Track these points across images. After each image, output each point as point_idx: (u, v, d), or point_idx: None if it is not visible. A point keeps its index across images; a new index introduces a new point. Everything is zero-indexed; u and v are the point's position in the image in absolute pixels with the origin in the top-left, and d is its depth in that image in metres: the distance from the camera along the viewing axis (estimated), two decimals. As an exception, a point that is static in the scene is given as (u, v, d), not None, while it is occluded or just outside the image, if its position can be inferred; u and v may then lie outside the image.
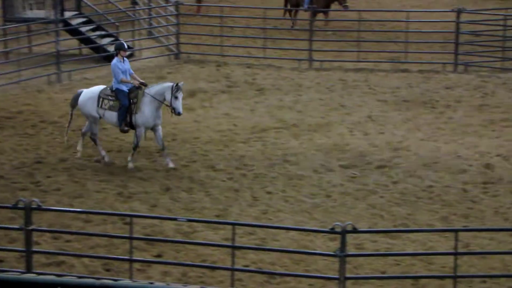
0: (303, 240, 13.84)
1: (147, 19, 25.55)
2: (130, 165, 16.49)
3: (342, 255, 11.56)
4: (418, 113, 19.62)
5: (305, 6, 25.41)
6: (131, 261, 12.18)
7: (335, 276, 11.89)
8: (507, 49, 22.99)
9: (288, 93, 21.14)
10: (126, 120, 16.54)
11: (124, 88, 16.53)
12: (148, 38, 25.06)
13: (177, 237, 13.69)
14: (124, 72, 16.48)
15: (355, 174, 16.43)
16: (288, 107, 20.22)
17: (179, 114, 16.36)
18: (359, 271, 12.80)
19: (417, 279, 12.49)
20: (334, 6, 25.70)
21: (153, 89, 16.42)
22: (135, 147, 16.60)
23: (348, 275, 11.85)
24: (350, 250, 12.88)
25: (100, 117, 16.77)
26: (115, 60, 16.53)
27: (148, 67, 23.10)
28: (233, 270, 12.08)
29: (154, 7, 25.76)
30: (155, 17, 25.57)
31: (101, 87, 16.97)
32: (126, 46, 16.70)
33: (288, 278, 12.54)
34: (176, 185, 15.81)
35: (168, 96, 16.29)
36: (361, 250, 13.46)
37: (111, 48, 23.70)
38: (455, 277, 11.92)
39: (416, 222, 14.52)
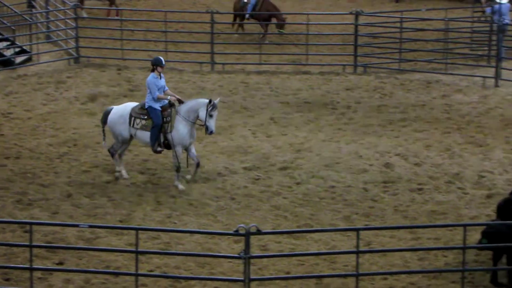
0: (207, 243, 13.83)
1: (44, 23, 25.09)
2: (180, 187, 15.68)
3: (246, 257, 11.61)
4: (319, 114, 19.86)
5: (247, 14, 25.23)
6: (31, 269, 11.94)
7: (240, 278, 11.94)
8: (404, 51, 23.51)
9: (191, 96, 21.01)
10: (160, 140, 15.71)
11: (157, 106, 15.74)
12: (46, 42, 24.62)
13: (79, 243, 13.50)
14: (160, 89, 15.72)
15: (258, 176, 16.51)
16: (190, 110, 20.15)
17: (211, 133, 15.75)
18: (264, 272, 12.88)
19: (321, 278, 12.65)
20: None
21: (185, 106, 15.66)
22: (178, 168, 15.73)
23: (252, 276, 11.91)
24: (255, 251, 12.96)
25: (131, 137, 15.93)
26: (151, 76, 15.74)
27: (46, 72, 22.69)
28: (137, 275, 11.99)
29: (52, 10, 25.33)
30: (53, 20, 25.14)
31: (132, 104, 16.10)
32: (163, 62, 15.85)
33: (193, 282, 12.53)
34: (78, 191, 15.58)
35: (202, 113, 15.59)
36: (265, 251, 13.55)
37: (8, 53, 23.26)
38: (357, 275, 12.11)
39: (319, 222, 14.70)
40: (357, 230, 12.46)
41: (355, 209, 15.21)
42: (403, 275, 12.75)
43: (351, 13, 23.50)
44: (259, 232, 11.84)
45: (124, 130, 15.90)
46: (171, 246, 13.61)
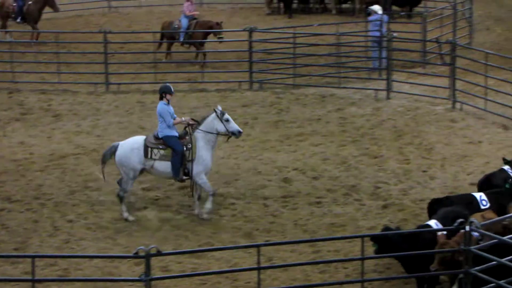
0: (107, 267, 13.62)
1: None
2: (206, 216, 15.37)
3: (147, 279, 11.48)
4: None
5: (181, 39, 24.83)
6: None
7: (137, 278, 11.74)
8: (298, 66, 23.76)
9: (86, 118, 20.80)
10: (184, 168, 15.18)
11: (174, 133, 15.32)
12: None
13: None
14: (171, 115, 15.34)
15: (158, 196, 16.38)
16: (86, 132, 19.88)
17: (240, 133, 15.40)
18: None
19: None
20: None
21: (201, 132, 15.31)
22: (213, 193, 15.41)
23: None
24: (156, 273, 12.84)
25: (143, 171, 15.34)
26: (162, 104, 15.34)
27: None
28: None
29: None
30: None
31: (140, 137, 15.57)
32: (173, 90, 15.60)
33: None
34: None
35: (219, 126, 15.33)
36: (167, 272, 13.44)
37: None
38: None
39: (220, 240, 14.68)
40: (257, 246, 12.49)
41: (256, 225, 15.25)
42: (303, 289, 12.84)
43: (245, 30, 23.64)
44: (159, 253, 11.74)
45: (138, 164, 15.22)
46: (70, 272, 13.35)
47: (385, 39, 22.68)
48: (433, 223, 12.56)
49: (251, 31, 23.49)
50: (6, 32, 25.91)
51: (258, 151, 18.61)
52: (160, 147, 15.28)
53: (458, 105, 20.84)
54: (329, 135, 19.31)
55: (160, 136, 15.35)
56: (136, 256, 11.57)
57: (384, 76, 22.20)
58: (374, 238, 12.29)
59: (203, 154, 15.29)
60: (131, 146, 15.36)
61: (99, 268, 13.57)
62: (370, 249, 12.52)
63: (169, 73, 23.66)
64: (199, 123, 15.52)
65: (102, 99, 22.26)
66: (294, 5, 31.47)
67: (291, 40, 23.71)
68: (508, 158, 15.17)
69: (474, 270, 11.57)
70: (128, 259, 13.61)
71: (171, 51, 24.76)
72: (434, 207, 13.47)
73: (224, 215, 15.61)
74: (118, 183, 15.59)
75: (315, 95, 22.24)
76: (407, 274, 12.52)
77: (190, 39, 24.65)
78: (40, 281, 12.28)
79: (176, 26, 24.79)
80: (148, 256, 11.48)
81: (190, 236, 14.86)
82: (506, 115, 19.65)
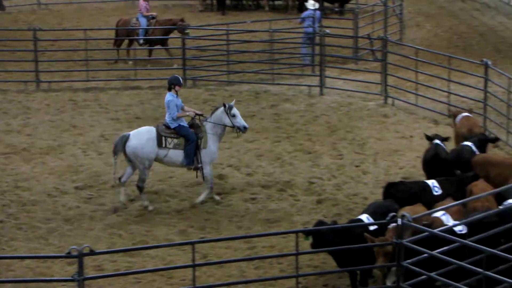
0: (39, 267, 13.41)
1: None
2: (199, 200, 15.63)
3: (80, 279, 11.33)
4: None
5: (141, 41, 24.27)
6: None
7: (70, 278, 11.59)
8: (232, 63, 23.75)
9: (16, 117, 20.46)
10: (197, 157, 15.45)
11: (184, 123, 15.50)
12: None
13: None
14: (179, 105, 15.53)
15: (91, 195, 16.19)
16: (16, 131, 19.55)
17: (245, 128, 15.66)
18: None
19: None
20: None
21: (209, 123, 15.57)
22: (211, 187, 15.68)
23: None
24: (90, 272, 12.69)
25: (156, 159, 15.44)
26: (170, 95, 15.43)
27: None
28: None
29: None
30: None
31: (151, 127, 15.58)
32: (181, 81, 15.85)
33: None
34: None
35: (226, 120, 15.57)
36: (101, 271, 13.29)
37: None
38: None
39: (155, 238, 14.57)
40: (192, 243, 12.41)
41: (191, 222, 15.18)
42: (239, 285, 12.81)
43: (177, 27, 23.51)
44: (92, 253, 11.58)
45: (152, 153, 15.37)
46: (0, 274, 13.09)
47: (317, 35, 22.82)
48: (365, 217, 12.67)
49: (184, 28, 23.38)
50: None
51: (192, 148, 18.51)
52: (173, 136, 15.48)
53: (390, 101, 21.07)
54: (263, 131, 19.33)
55: (172, 127, 15.48)
56: (68, 256, 11.40)
57: (317, 73, 22.32)
58: (306, 232, 12.34)
59: (210, 145, 15.59)
60: (145, 136, 15.45)
61: (31, 268, 13.36)
62: (304, 244, 12.56)
63: (101, 70, 23.42)
64: (203, 116, 15.76)
65: (33, 97, 21.93)
66: (227, 2, 31.45)
67: (224, 37, 23.68)
68: (428, 133, 15.75)
69: (406, 263, 11.69)
70: (61, 259, 13.42)
71: (131, 48, 24.19)
72: (390, 192, 13.64)
73: (158, 213, 15.50)
74: (119, 179, 15.59)
75: (249, 92, 22.25)
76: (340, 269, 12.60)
77: (150, 38, 24.11)
78: (-30, 283, 12.04)
79: (135, 22, 24.38)
80: (81, 256, 11.32)
81: (123, 235, 14.71)
82: (437, 110, 19.94)
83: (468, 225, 12.03)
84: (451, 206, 12.59)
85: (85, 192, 16.29)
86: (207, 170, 15.62)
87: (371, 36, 24.23)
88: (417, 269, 11.64)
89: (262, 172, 17.16)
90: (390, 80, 21.36)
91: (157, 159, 15.61)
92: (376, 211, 12.75)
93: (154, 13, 25.08)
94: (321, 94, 21.84)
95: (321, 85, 21.97)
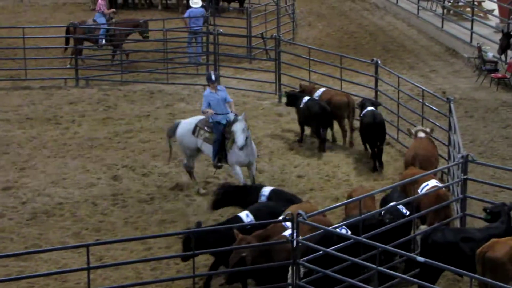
0: None
1: None
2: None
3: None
4: (43, 130, 19.34)
5: (102, 41, 23.33)
6: None
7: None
8: (126, 62, 23.53)
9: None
10: (221, 155, 15.56)
11: (222, 120, 15.65)
12: None
13: None
14: (217, 101, 15.59)
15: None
16: None
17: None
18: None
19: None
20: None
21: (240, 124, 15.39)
22: None
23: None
24: (-20, 279, 12.33)
25: (198, 150, 15.85)
26: (206, 91, 15.92)
27: None
28: None
29: None
30: None
31: (200, 117, 15.96)
32: (213, 78, 15.80)
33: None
34: None
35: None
36: (-8, 276, 12.95)
37: None
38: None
39: (48, 241, 14.31)
40: (87, 246, 12.20)
41: (85, 224, 14.97)
42: (136, 287, 12.71)
43: (68, 26, 23.15)
44: (-17, 258, 11.28)
45: (191, 143, 15.88)
46: None
47: (203, 34, 22.87)
48: (244, 214, 12.71)
49: (74, 27, 23.04)
50: None
51: (86, 149, 18.27)
52: (206, 129, 15.80)
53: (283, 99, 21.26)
54: (159, 131, 19.21)
55: (210, 120, 15.74)
56: (-42, 261, 11.08)
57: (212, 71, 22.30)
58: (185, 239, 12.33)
59: (235, 148, 15.55)
60: (187, 126, 16.01)
61: None
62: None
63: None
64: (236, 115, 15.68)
65: None
66: (119, 0, 31.11)
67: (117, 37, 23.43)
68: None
69: (302, 260, 11.83)
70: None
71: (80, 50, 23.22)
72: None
73: (52, 215, 15.23)
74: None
75: (143, 91, 22.09)
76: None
77: (111, 39, 23.43)
78: None
79: (92, 21, 23.59)
80: (-29, 261, 11.02)
81: (15, 239, 14.40)
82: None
83: (349, 226, 12.27)
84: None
85: (-25, 195, 15.87)
86: (235, 170, 15.72)
87: (264, 35, 24.42)
88: (312, 266, 11.79)
89: (158, 172, 17.07)
90: (284, 79, 21.58)
91: (199, 150, 15.97)
92: (260, 209, 12.84)
93: (113, 10, 24.56)
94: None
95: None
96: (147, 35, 23.73)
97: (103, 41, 23.56)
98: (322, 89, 18.93)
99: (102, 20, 23.91)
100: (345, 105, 18.20)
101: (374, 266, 11.26)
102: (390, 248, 11.49)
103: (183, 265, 13.33)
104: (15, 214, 15.23)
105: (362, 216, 12.30)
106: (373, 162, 17.07)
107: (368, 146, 17.46)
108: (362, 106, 17.61)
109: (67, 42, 23.55)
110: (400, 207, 12.88)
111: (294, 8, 28.28)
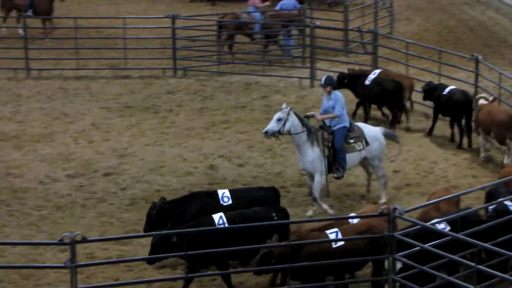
0: (31, 254, 13.42)
1: None
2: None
3: (72, 266, 11.34)
4: (141, 118, 19.72)
5: (256, 31, 24.03)
6: None
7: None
8: (222, 53, 23.77)
9: (6, 104, 20.42)
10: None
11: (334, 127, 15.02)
12: None
13: None
14: (324, 108, 15.15)
15: (82, 183, 16.20)
16: (7, 118, 19.52)
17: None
18: (92, 281, 12.65)
19: (150, 283, 12.56)
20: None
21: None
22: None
23: (80, 285, 11.63)
24: (82, 260, 12.71)
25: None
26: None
27: None
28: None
29: None
30: None
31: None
32: (322, 81, 15.21)
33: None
34: None
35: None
36: (92, 259, 13.33)
37: None
38: (187, 278, 12.15)
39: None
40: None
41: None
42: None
43: (167, 17, 23.52)
44: (84, 240, 11.58)
45: None
46: (-7, 260, 13.10)
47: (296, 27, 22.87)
48: (217, 216, 12.58)
49: (174, 18, 23.38)
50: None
51: (183, 138, 18.55)
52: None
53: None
54: (254, 122, 19.36)
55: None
56: (61, 243, 11.40)
57: (308, 65, 22.36)
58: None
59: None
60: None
61: (23, 255, 13.36)
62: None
63: (91, 59, 23.34)
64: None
65: (23, 85, 21.89)
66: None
67: (215, 28, 23.67)
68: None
69: (398, 255, 11.78)
70: (53, 246, 13.43)
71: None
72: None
73: (150, 202, 15.48)
74: None
75: (239, 83, 22.28)
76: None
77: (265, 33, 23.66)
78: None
79: (246, 19, 23.91)
80: (73, 243, 11.33)
81: (115, 223, 14.74)
82: (428, 104, 20.01)
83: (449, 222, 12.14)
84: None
85: (76, 180, 16.29)
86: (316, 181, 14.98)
87: (361, 29, 24.30)
88: (409, 261, 11.72)
89: (253, 163, 17.20)
90: (381, 73, 21.41)
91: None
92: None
93: (267, 3, 24.86)
94: (312, 86, 21.87)
95: (312, 77, 22.01)
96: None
97: (259, 35, 23.62)
98: (378, 70, 19.41)
99: (257, 14, 23.97)
100: (409, 86, 18.85)
101: (473, 264, 11.11)
102: (490, 247, 11.32)
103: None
104: (115, 199, 15.59)
105: (461, 212, 12.15)
106: (459, 139, 17.61)
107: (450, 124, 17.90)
108: (438, 86, 18.18)
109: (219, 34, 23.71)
110: (509, 203, 12.59)
111: (392, 2, 28.02)
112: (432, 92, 18.40)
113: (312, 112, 15.62)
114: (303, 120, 15.12)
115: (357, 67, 20.28)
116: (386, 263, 11.89)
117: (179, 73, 22.91)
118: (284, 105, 15.12)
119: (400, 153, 15.90)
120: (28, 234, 14.08)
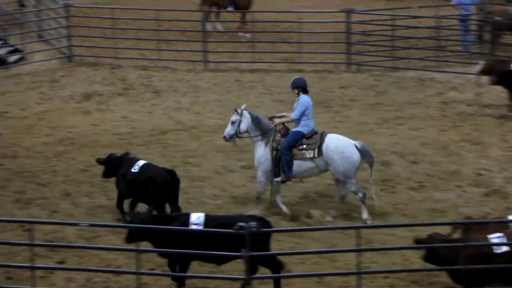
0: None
1: (36, 21, 24.97)
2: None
3: (247, 256, 11.59)
4: (314, 112, 19.67)
5: (229, 8, 24.53)
6: (33, 268, 11.90)
7: (241, 277, 11.90)
8: (397, 49, 23.55)
9: (185, 95, 21.08)
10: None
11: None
12: (39, 41, 24.50)
13: (79, 242, 13.48)
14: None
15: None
16: (185, 109, 20.17)
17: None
18: (264, 271, 12.84)
19: (322, 276, 12.65)
20: None
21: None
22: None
23: (254, 275, 11.88)
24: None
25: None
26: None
27: (40, 71, 22.66)
28: (138, 274, 11.96)
29: (44, 9, 25.22)
30: (45, 19, 25.03)
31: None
32: (290, 83, 15.14)
33: (195, 280, 12.49)
34: (76, 190, 15.54)
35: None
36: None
37: (0, 52, 23.17)
38: (358, 273, 12.12)
39: (318, 220, 14.65)
40: (357, 228, 12.37)
41: (353, 206, 15.12)
42: (404, 274, 12.70)
43: (342, 11, 23.51)
44: (258, 231, 11.76)
45: None
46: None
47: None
48: (196, 216, 12.22)
49: (349, 12, 23.35)
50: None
51: (356, 133, 18.49)
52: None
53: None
54: (429, 119, 19.08)
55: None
56: (237, 232, 11.65)
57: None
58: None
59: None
60: None
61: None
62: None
63: (266, 52, 23.72)
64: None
65: (201, 77, 22.52)
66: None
67: (389, 23, 23.49)
68: None
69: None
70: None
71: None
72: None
73: (322, 195, 15.61)
74: None
75: (414, 79, 22.01)
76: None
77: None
78: (144, 251, 12.42)
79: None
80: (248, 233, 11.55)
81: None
82: None
83: None
84: None
85: (250, 171, 16.60)
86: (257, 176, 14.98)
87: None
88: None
89: (427, 161, 16.96)
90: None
91: None
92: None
93: None
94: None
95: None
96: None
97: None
98: None
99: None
100: None
101: None
102: None
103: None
104: (286, 192, 15.77)
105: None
106: None
107: None
108: None
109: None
110: None
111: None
112: None
113: (278, 114, 15.19)
114: (260, 121, 14.77)
115: None
116: None
117: (353, 67, 22.88)
118: (243, 106, 14.95)
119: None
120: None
